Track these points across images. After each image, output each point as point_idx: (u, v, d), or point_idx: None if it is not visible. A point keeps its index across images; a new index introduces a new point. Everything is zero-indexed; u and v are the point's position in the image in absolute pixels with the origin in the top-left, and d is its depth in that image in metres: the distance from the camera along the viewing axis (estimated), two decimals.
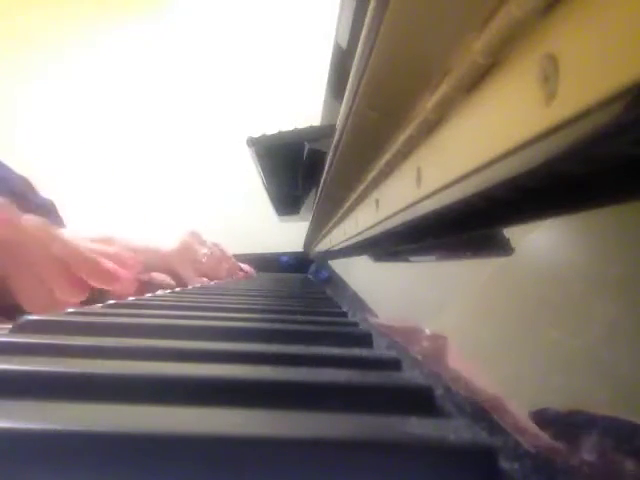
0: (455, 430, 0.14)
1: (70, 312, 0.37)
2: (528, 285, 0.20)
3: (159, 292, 0.61)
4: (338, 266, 0.89)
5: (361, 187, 0.45)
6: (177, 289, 0.76)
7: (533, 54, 0.14)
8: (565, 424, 0.13)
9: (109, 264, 0.52)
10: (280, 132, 0.93)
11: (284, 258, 1.81)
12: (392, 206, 0.34)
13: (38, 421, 0.14)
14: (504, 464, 0.14)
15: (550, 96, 0.13)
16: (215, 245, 1.05)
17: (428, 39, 0.21)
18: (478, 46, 0.17)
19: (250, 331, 0.32)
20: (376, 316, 0.41)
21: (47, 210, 0.96)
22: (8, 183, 0.81)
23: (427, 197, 0.25)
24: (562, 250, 0.18)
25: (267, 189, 1.21)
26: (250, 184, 1.42)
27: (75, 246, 0.51)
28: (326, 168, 0.56)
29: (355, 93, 0.29)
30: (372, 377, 0.21)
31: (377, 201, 0.40)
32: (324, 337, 0.30)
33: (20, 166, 1.00)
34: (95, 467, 0.13)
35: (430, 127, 0.25)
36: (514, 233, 0.21)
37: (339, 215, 0.67)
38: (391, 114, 0.29)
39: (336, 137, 0.43)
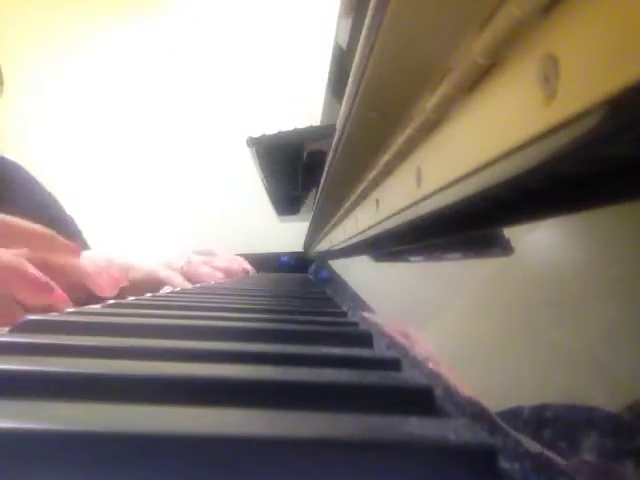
0: (455, 430, 0.14)
1: (70, 312, 0.37)
2: (528, 285, 0.20)
3: (160, 292, 0.61)
4: (338, 266, 0.89)
5: (361, 187, 0.45)
6: (177, 289, 0.76)
7: (533, 54, 0.14)
8: (564, 423, 0.13)
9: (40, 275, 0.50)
10: (280, 132, 0.93)
11: (284, 258, 1.81)
12: (392, 206, 0.34)
13: (38, 421, 0.14)
14: (504, 464, 0.14)
15: (550, 96, 0.13)
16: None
17: (428, 39, 0.21)
18: (478, 46, 0.17)
19: (250, 331, 0.32)
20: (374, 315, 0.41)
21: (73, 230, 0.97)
22: (44, 208, 0.81)
23: (427, 197, 0.25)
24: (562, 250, 0.18)
25: (267, 189, 1.21)
26: (250, 184, 1.42)
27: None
28: (326, 168, 0.56)
29: (355, 93, 0.29)
30: (372, 377, 0.21)
31: (377, 201, 0.40)
32: (324, 337, 0.30)
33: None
34: (95, 467, 0.13)
35: (430, 127, 0.25)
36: (514, 233, 0.21)
37: (339, 215, 0.67)
38: (391, 114, 0.29)
39: (336, 137, 0.42)
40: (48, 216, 0.86)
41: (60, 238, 0.53)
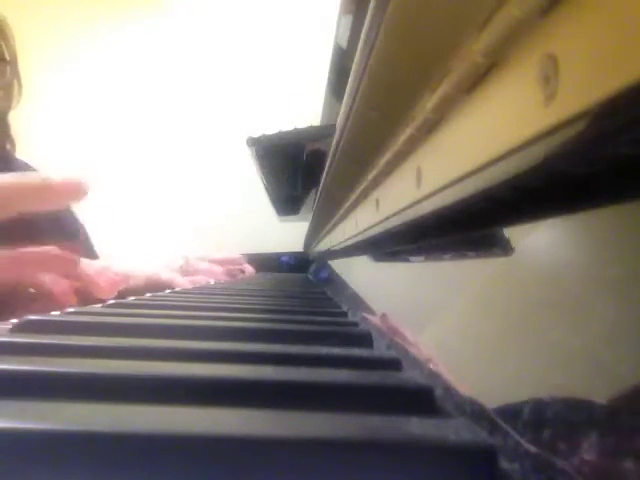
0: (455, 430, 0.14)
1: (70, 312, 0.37)
2: (528, 285, 0.20)
3: (160, 292, 0.61)
4: (338, 266, 0.89)
5: (361, 187, 0.45)
6: (177, 289, 0.76)
7: (533, 54, 0.14)
8: (564, 423, 0.13)
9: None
10: (280, 132, 0.93)
11: (284, 258, 1.81)
12: (392, 206, 0.34)
13: (38, 421, 0.14)
14: (504, 464, 0.14)
15: (550, 96, 0.13)
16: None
17: (428, 39, 0.21)
18: (478, 46, 0.17)
19: (250, 331, 0.32)
20: (374, 314, 0.41)
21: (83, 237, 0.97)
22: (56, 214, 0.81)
23: (427, 197, 0.25)
24: (562, 250, 0.18)
25: (267, 189, 1.21)
26: (250, 184, 1.42)
27: None
28: (326, 168, 0.56)
29: (355, 93, 0.29)
30: (372, 377, 0.21)
31: (377, 201, 0.40)
32: (324, 337, 0.30)
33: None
34: (95, 467, 0.13)
35: (430, 127, 0.25)
36: (514, 233, 0.21)
37: (339, 215, 0.67)
38: (391, 114, 0.29)
39: (336, 137, 0.43)
40: (59, 220, 0.86)
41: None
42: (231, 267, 1.13)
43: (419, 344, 0.27)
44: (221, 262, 1.10)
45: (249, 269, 1.28)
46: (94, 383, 0.19)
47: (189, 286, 0.85)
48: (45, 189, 0.44)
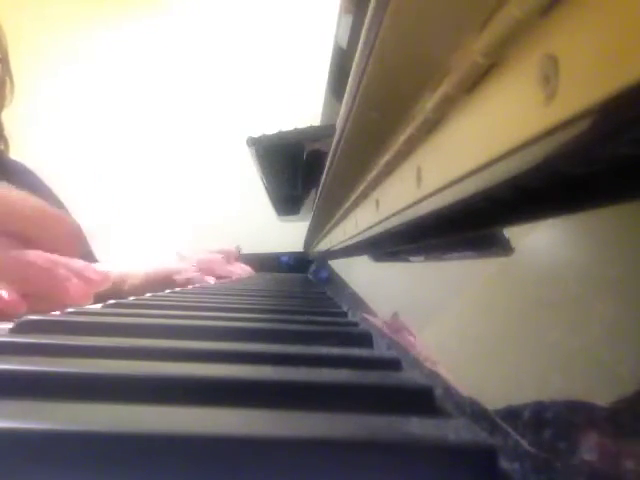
0: (455, 430, 0.14)
1: (70, 312, 0.37)
2: (528, 285, 0.20)
3: (160, 292, 0.61)
4: (338, 266, 0.89)
5: (361, 187, 0.45)
6: (177, 289, 0.76)
7: (533, 54, 0.14)
8: (564, 423, 0.13)
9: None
10: (280, 132, 0.93)
11: (284, 258, 1.81)
12: (392, 206, 0.34)
13: (38, 421, 0.14)
14: (504, 464, 0.14)
15: (550, 96, 0.13)
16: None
17: (428, 39, 0.21)
18: (478, 46, 0.17)
19: (250, 331, 0.32)
20: (375, 315, 0.41)
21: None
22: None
23: (427, 197, 0.25)
24: (562, 250, 0.18)
25: (267, 189, 1.21)
26: (250, 184, 1.42)
27: None
28: (326, 168, 0.56)
29: (355, 93, 0.29)
30: (372, 377, 0.21)
31: (377, 201, 0.40)
32: (324, 337, 0.30)
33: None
34: (95, 467, 0.13)
35: (430, 127, 0.25)
36: (514, 233, 0.21)
37: (339, 215, 0.67)
38: (391, 114, 0.29)
39: (336, 137, 0.43)
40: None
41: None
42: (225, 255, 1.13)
43: (426, 347, 0.27)
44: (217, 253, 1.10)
45: (246, 268, 1.27)
46: (94, 383, 0.19)
47: (192, 274, 0.85)
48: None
